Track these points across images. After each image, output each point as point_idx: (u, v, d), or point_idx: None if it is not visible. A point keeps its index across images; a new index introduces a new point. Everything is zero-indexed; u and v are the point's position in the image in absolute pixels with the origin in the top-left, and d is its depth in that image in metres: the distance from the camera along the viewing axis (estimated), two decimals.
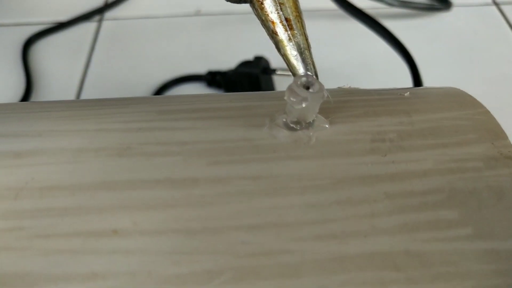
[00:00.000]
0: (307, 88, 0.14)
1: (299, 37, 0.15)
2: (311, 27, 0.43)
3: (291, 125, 0.15)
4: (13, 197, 0.13)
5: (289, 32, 0.15)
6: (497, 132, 0.15)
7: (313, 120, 0.15)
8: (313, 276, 0.12)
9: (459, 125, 0.15)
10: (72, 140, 0.14)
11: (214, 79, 0.39)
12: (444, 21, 0.44)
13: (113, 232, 0.13)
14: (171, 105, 0.16)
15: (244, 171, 0.14)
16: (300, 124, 0.15)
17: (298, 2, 0.15)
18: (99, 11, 0.45)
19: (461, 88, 0.17)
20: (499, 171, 0.14)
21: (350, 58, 0.41)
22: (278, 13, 0.15)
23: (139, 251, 0.12)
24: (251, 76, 0.37)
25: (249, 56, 0.38)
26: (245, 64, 0.39)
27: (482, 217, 0.13)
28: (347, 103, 0.16)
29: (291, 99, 0.14)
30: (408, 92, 0.17)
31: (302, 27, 0.15)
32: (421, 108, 0.16)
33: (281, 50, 0.15)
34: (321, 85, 0.15)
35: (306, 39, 0.15)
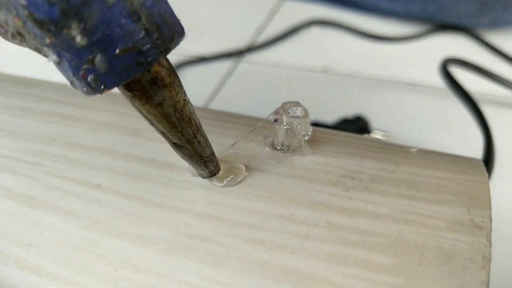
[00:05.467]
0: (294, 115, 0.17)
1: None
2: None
3: (277, 146, 0.18)
4: (48, 143, 0.19)
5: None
6: (481, 202, 0.15)
7: (299, 147, 0.18)
8: (230, 271, 0.15)
9: (444, 185, 0.16)
10: (106, 116, 0.20)
11: None
12: None
13: (97, 186, 0.17)
14: (202, 112, 0.20)
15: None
16: (284, 147, 0.18)
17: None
18: (239, 53, 0.53)
19: None
20: (459, 236, 0.14)
21: (438, 135, 0.39)
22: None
23: (110, 206, 0.16)
24: None
25: (351, 113, 0.41)
26: (345, 121, 0.42)
27: (419, 273, 0.14)
28: (342, 142, 0.18)
29: (276, 120, 0.17)
30: (416, 149, 0.18)
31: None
32: (415, 163, 0.17)
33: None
34: (306, 113, 0.17)
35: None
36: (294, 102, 0.17)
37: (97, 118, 0.20)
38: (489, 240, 0.14)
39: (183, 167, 0.17)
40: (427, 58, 0.49)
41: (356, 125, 0.40)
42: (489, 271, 0.14)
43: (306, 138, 0.17)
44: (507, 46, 0.48)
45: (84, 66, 0.13)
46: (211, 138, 0.17)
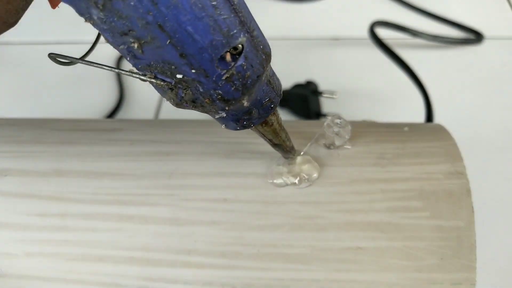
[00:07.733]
0: (339, 124, 0.27)
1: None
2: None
3: (328, 146, 0.28)
4: (167, 177, 0.26)
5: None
6: (456, 157, 0.27)
7: (342, 144, 0.28)
8: (334, 232, 0.25)
9: (434, 151, 0.27)
10: (198, 147, 0.28)
11: None
12: (476, 53, 0.56)
13: (223, 200, 0.26)
14: None
15: None
16: (333, 145, 0.28)
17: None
18: None
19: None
20: (452, 181, 0.26)
21: (374, 83, 0.52)
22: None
23: (239, 211, 0.25)
24: (302, 96, 0.50)
25: (302, 79, 0.51)
26: (297, 86, 0.52)
27: (437, 207, 0.25)
28: (364, 133, 0.29)
29: (328, 130, 0.27)
30: (407, 128, 0.29)
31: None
32: (413, 139, 0.28)
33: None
34: (347, 123, 0.27)
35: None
36: (337, 115, 0.27)
37: (193, 150, 0.27)
38: (467, 179, 0.26)
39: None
40: (344, 12, 0.60)
41: (308, 89, 0.51)
42: (471, 196, 0.26)
43: (348, 137, 0.27)
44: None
45: (244, 117, 0.21)
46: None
